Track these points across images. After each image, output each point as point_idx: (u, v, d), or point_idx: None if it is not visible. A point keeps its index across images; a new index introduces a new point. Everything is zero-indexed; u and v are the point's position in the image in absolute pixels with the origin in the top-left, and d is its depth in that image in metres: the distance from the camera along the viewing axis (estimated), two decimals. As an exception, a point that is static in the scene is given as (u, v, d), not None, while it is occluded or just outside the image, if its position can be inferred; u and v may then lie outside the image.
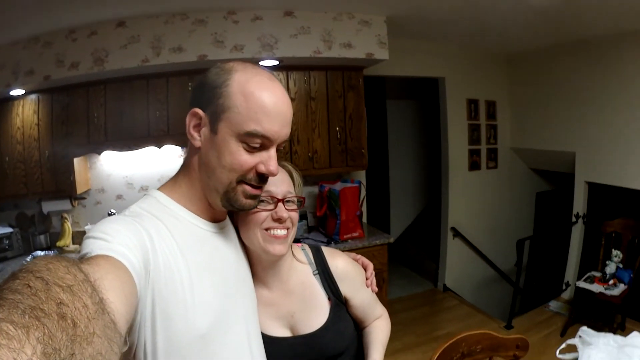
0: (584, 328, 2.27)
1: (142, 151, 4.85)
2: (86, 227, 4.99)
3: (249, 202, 1.24)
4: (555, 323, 5.35)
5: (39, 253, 4.64)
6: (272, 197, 1.43)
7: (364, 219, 5.67)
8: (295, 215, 1.50)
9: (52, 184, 4.69)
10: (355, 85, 5.12)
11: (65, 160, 4.61)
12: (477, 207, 7.01)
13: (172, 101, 4.63)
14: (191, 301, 1.12)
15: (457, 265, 6.91)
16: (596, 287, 4.78)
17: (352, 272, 1.71)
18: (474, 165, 6.87)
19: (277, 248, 1.43)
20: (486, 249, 7.04)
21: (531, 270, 7.43)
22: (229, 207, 1.25)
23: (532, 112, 6.81)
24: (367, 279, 1.79)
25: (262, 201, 1.41)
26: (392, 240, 4.95)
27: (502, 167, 7.19)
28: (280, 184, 1.47)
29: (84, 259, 0.84)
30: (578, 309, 5.09)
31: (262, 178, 1.21)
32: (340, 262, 1.69)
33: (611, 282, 4.78)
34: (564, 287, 6.20)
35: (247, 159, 1.16)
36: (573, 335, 2.28)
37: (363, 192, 5.18)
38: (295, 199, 1.50)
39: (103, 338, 0.56)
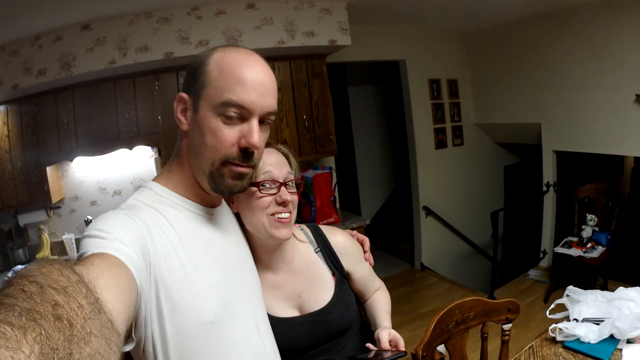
0: (571, 287, 2.29)
1: (113, 154, 4.79)
2: (64, 237, 4.93)
3: (236, 183, 1.22)
4: (537, 291, 5.50)
5: (20, 268, 4.55)
6: (275, 181, 1.46)
7: (337, 204, 5.71)
8: (296, 199, 1.53)
9: (27, 195, 4.62)
10: (319, 73, 5.17)
11: (38, 170, 4.56)
12: (447, 185, 7.11)
13: (140, 102, 4.61)
14: (196, 288, 1.13)
15: (433, 243, 6.99)
16: (574, 251, 4.87)
17: (351, 246, 1.77)
18: (440, 144, 6.96)
19: (283, 232, 1.46)
20: (459, 224, 7.16)
21: (507, 242, 7.57)
22: (217, 190, 1.23)
23: (493, 87, 6.93)
24: (365, 252, 1.85)
25: (265, 186, 1.44)
26: (368, 222, 5.02)
27: (468, 144, 7.30)
28: (281, 167, 1.49)
29: (79, 259, 0.87)
30: (558, 275, 5.18)
31: (246, 154, 1.18)
32: (339, 238, 1.74)
33: (589, 245, 4.87)
34: (541, 255, 6.34)
35: (227, 134, 1.15)
36: (556, 300, 2.30)
37: (335, 178, 5.21)
38: (294, 182, 1.53)
39: (100, 337, 0.57)
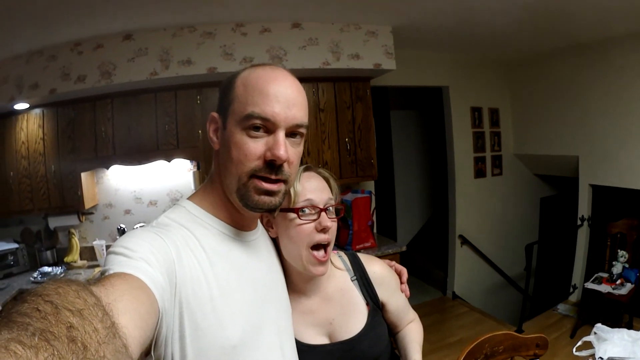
0: (599, 325, 2.34)
1: (150, 165, 4.79)
2: (94, 243, 4.92)
3: (263, 198, 1.17)
4: (565, 325, 5.38)
5: (46, 269, 4.61)
6: (315, 207, 1.43)
7: (374, 229, 5.64)
8: (335, 225, 1.50)
9: (59, 199, 4.64)
10: (363, 96, 5.12)
11: (72, 175, 4.58)
12: (484, 215, 7.02)
13: (181, 115, 4.59)
14: (221, 311, 1.11)
15: (466, 273, 6.90)
16: (604, 288, 4.85)
17: (388, 276, 1.72)
18: (479, 173, 6.88)
19: (319, 270, 1.44)
20: (493, 255, 7.05)
21: (539, 274, 7.47)
22: (247, 207, 1.19)
23: (534, 117, 6.86)
24: (402, 283, 1.80)
25: (305, 212, 1.42)
26: (404, 248, 4.96)
27: (506, 174, 7.21)
28: (321, 192, 1.46)
29: (99, 279, 0.84)
30: (587, 311, 5.10)
31: (272, 166, 1.14)
32: (377, 267, 1.69)
33: (618, 281, 4.86)
34: (571, 290, 6.22)
35: (251, 147, 1.13)
36: (582, 337, 2.37)
37: (374, 202, 5.14)
38: (335, 208, 1.50)
39: None
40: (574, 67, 6.02)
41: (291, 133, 1.17)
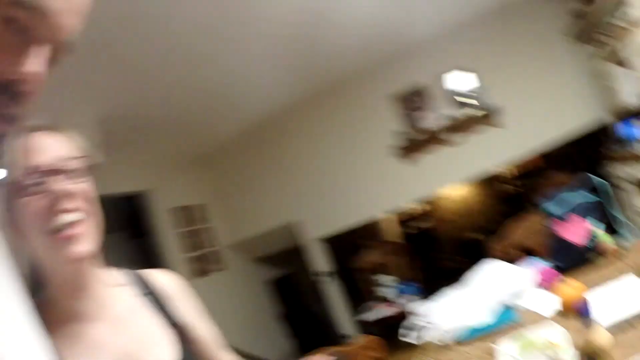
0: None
1: None
2: None
3: None
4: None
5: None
6: (40, 172, 0.88)
7: None
8: (85, 189, 0.96)
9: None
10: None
11: None
12: (216, 317, 6.54)
13: None
14: None
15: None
16: (384, 312, 5.06)
17: (182, 289, 1.28)
18: (199, 272, 6.45)
19: (75, 250, 0.91)
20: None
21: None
22: None
23: (241, 201, 6.95)
24: None
25: (29, 186, 0.87)
26: None
27: (230, 267, 6.95)
28: (46, 150, 0.92)
29: None
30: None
31: None
32: (163, 277, 1.25)
33: (402, 300, 5.10)
34: (341, 339, 6.12)
35: None
36: None
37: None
38: (76, 165, 0.95)
39: None
40: (262, 147, 6.46)
41: None
